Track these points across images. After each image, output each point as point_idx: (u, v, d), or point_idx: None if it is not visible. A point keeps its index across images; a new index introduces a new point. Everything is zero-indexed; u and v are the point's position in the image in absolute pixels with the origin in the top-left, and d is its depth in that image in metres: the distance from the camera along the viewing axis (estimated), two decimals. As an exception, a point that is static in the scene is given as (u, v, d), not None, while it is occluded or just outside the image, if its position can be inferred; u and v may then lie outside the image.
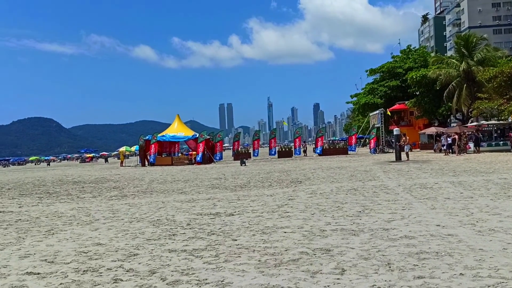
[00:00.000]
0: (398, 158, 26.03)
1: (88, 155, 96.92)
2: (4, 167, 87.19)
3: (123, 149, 47.59)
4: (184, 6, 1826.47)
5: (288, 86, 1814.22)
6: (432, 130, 39.56)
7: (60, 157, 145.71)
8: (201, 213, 9.87)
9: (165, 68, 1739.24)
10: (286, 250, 5.96)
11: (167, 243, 6.89)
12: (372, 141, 41.68)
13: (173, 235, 7.58)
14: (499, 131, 38.29)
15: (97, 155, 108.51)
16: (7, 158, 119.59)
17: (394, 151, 40.53)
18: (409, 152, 27.02)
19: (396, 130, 27.72)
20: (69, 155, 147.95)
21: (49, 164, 76.27)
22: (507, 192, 10.56)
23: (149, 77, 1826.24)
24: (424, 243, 5.84)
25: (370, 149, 41.84)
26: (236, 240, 6.86)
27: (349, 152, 42.91)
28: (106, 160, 69.14)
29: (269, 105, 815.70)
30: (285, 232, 7.17)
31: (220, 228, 7.93)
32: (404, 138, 27.90)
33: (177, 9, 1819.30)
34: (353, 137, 43.89)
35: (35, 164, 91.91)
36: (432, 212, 8.30)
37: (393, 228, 6.99)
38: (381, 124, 42.53)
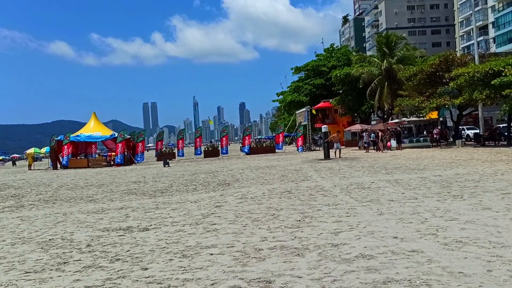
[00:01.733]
0: (327, 156, 25.48)
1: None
2: None
3: (31, 151, 43.22)
4: (102, 1, 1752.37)
5: (214, 85, 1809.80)
6: (357, 127, 39.97)
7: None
8: (108, 228, 8.05)
9: (83, 65, 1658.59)
10: (212, 285, 4.44)
11: (51, 278, 5.09)
12: (299, 139, 41.29)
13: (64, 263, 5.77)
14: (417, 128, 39.60)
15: (7, 157, 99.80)
16: None
17: (322, 149, 40.62)
18: (340, 150, 26.58)
19: (324, 128, 27.21)
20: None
21: None
22: (449, 191, 9.84)
23: (67, 75, 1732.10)
24: (388, 266, 4.61)
25: (298, 147, 41.45)
26: (146, 269, 5.23)
27: (276, 150, 42.22)
28: (14, 163, 63.11)
29: (194, 104, 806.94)
30: (212, 255, 5.65)
31: (128, 251, 6.23)
32: (336, 135, 27.44)
33: (95, 4, 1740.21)
34: (280, 135, 43.28)
35: None
36: (381, 219, 7.20)
37: (343, 243, 5.73)
38: (308, 122, 42.32)
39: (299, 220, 7.54)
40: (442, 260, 4.68)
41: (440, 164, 17.30)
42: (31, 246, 6.90)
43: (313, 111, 45.98)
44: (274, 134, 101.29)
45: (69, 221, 9.17)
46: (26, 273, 5.41)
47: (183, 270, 5.05)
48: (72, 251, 6.42)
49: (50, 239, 7.37)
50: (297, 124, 47.60)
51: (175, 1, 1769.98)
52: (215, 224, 7.76)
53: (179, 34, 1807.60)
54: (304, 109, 43.72)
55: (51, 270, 5.47)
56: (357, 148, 38.75)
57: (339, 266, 4.71)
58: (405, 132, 39.46)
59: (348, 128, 43.34)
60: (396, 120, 40.54)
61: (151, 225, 8.14)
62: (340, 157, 25.65)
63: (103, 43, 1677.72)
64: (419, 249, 5.15)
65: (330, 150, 26.28)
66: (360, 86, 42.75)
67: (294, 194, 11.10)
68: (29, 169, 38.67)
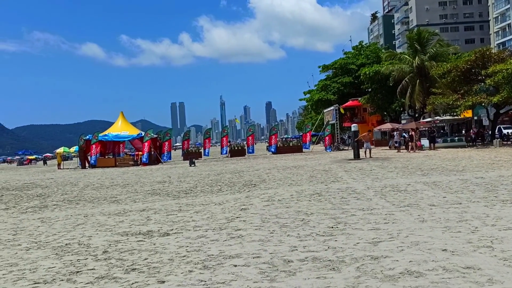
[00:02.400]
0: (357, 156, 24.62)
1: (29, 157, 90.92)
2: None
3: (60, 150, 43.77)
4: (131, 3, 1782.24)
5: (241, 85, 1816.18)
6: (387, 126, 38.78)
7: (0, 160, 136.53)
8: (127, 232, 7.61)
9: (114, 66, 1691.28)
10: (235, 305, 3.88)
11: (59, 291, 4.64)
12: (326, 138, 40.40)
13: (77, 272, 5.32)
14: (451, 127, 38.09)
15: (40, 156, 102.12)
16: None
17: (351, 148, 39.66)
18: (371, 150, 25.65)
19: (354, 126, 26.32)
20: (10, 157, 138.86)
21: (-19, 168, 70.19)
22: (496, 196, 9.00)
23: (98, 76, 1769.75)
24: (442, 287, 3.93)
25: (325, 147, 40.57)
26: (163, 282, 4.71)
27: (303, 150, 41.48)
28: (45, 163, 64.32)
29: (221, 103, 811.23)
30: (235, 266, 5.09)
31: (146, 259, 5.74)
32: (366, 134, 26.51)
33: (124, 6, 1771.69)
34: (308, 134, 42.46)
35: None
36: (425, 227, 6.48)
37: (384, 255, 5.07)
38: (336, 120, 41.38)
39: (332, 227, 6.90)
40: (506, 280, 3.98)
41: (480, 165, 16.27)
42: (45, 252, 6.50)
43: (341, 110, 45.01)
44: (301, 133, 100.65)
45: (89, 224, 8.79)
46: (35, 283, 4.97)
47: (203, 285, 4.51)
48: (87, 258, 5.98)
49: (66, 244, 6.96)
50: (324, 123, 46.67)
51: (202, 1, 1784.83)
52: (239, 229, 7.20)
53: (206, 34, 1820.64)
54: (332, 107, 42.78)
55: (62, 280, 5.02)
56: (387, 147, 37.62)
57: (383, 286, 4.07)
58: (441, 131, 37.99)
59: (378, 127, 42.16)
60: (429, 119, 39.13)
61: (172, 229, 7.64)
62: (370, 157, 24.76)
63: (132, 44, 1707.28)
64: (475, 265, 4.45)
65: (360, 150, 25.42)
66: (390, 84, 41.54)
67: (325, 196, 10.43)
68: (58, 168, 39.14)
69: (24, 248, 6.82)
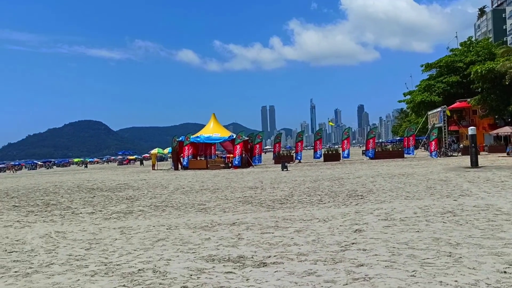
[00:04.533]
0: (475, 164, 21.24)
1: (129, 157, 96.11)
2: (47, 168, 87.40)
3: (155, 151, 44.59)
4: (224, 10, 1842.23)
5: (332, 88, 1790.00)
6: (506, 130, 34.08)
7: (104, 159, 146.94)
8: (214, 257, 6.02)
9: (208, 71, 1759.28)
10: None
11: None
12: (432, 143, 36.54)
13: (142, 324, 3.77)
14: None
15: (139, 156, 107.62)
16: (50, 160, 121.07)
17: (459, 154, 35.51)
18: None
19: (471, 130, 22.84)
20: (112, 157, 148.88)
21: (86, 166, 75.09)
22: None
23: (193, 80, 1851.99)
24: None
25: (430, 152, 36.74)
26: None
27: (405, 155, 38.00)
28: (142, 163, 66.85)
29: (312, 106, 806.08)
30: None
31: (236, 308, 4.05)
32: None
33: (217, 13, 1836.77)
34: (411, 138, 38.82)
35: (78, 166, 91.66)
36: None
37: None
38: (444, 123, 37.32)
39: (504, 271, 4.69)
40: None
41: None
42: (111, 282, 5.09)
43: (448, 112, 40.72)
44: (397, 138, 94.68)
45: (170, 240, 7.38)
46: None
47: None
48: (159, 298, 4.44)
49: (139, 270, 5.53)
50: (429, 126, 42.58)
51: (292, 5, 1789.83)
52: (362, 264, 5.26)
53: (297, 38, 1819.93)
54: (439, 109, 38.76)
55: None
56: (504, 154, 32.99)
57: None
58: None
59: (495, 131, 37.40)
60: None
61: (269, 256, 5.92)
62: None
63: (225, 49, 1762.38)
64: None
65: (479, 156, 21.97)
66: (507, 83, 36.63)
67: (462, 217, 8.08)
68: (152, 169, 39.77)
69: (89, 273, 5.49)
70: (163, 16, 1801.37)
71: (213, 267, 5.54)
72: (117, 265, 5.86)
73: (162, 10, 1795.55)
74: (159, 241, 7.37)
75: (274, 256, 5.91)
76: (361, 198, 11.65)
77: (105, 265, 5.88)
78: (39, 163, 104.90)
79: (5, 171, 78.17)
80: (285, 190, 14.86)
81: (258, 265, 5.52)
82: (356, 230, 7.37)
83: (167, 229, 8.51)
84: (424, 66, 57.55)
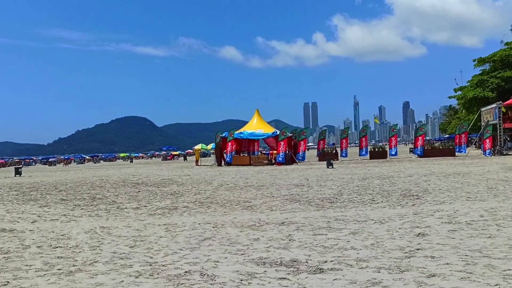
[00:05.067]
0: (537, 163, 19.77)
1: (173, 153, 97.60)
2: (95, 163, 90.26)
3: (198, 147, 44.82)
4: (266, 6, 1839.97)
5: (376, 84, 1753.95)
6: None
7: (149, 154, 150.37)
8: (264, 260, 5.58)
9: (250, 68, 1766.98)
10: None
11: None
12: (487, 140, 34.65)
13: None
14: None
15: (182, 152, 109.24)
16: (98, 154, 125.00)
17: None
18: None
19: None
20: (157, 152, 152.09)
21: (131, 161, 76.87)
22: None
23: (235, 77, 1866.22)
24: None
25: (484, 151, 34.87)
26: None
27: (456, 153, 36.29)
28: (185, 159, 67.59)
29: (355, 103, 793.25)
30: None
31: (295, 322, 3.58)
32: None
33: (259, 9, 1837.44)
34: (463, 135, 37.00)
35: (123, 161, 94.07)
36: None
37: None
38: (499, 120, 35.32)
39: None
40: None
41: None
42: (157, 285, 4.74)
43: (503, 109, 38.53)
44: (445, 135, 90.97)
45: (217, 239, 7.01)
46: None
47: None
48: (208, 306, 4.04)
49: (185, 272, 5.16)
50: (483, 123, 40.49)
51: (335, 0, 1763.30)
52: (433, 275, 4.65)
53: (341, 33, 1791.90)
54: (494, 105, 36.75)
55: None
56: None
57: None
58: None
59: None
60: None
61: (325, 261, 5.41)
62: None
63: (267, 46, 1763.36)
64: None
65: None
66: None
67: (538, 222, 7.25)
68: (196, 165, 39.96)
69: (134, 274, 5.18)
70: (206, 13, 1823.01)
71: (265, 271, 5.09)
72: (163, 265, 5.52)
73: (205, 7, 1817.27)
74: (206, 240, 7.01)
75: (331, 261, 5.39)
76: (417, 198, 10.90)
77: (150, 265, 5.56)
78: (87, 157, 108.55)
79: (55, 164, 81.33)
80: (333, 188, 14.25)
81: (314, 271, 5.02)
82: (419, 234, 6.72)
83: (213, 227, 8.15)
84: (476, 60, 55.05)
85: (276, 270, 5.13)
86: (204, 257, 5.88)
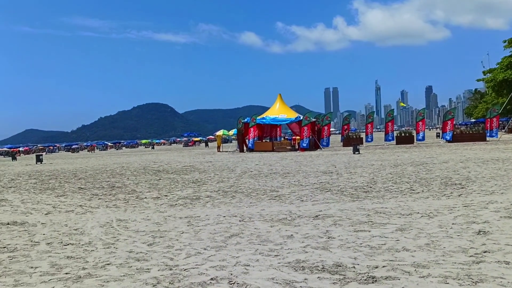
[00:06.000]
0: None
1: (194, 139, 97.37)
2: (117, 149, 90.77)
3: (220, 132, 44.10)
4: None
5: (398, 68, 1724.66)
6: None
7: (170, 140, 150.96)
8: (303, 265, 4.75)
9: (270, 53, 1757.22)
10: None
11: None
12: (521, 124, 32.97)
13: None
14: None
15: (204, 138, 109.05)
16: (120, 141, 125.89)
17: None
18: None
19: None
20: (178, 139, 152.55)
21: (153, 148, 76.91)
22: None
23: (255, 63, 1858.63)
24: None
25: (518, 135, 33.20)
26: None
27: (487, 138, 34.69)
28: (207, 145, 67.16)
29: (376, 88, 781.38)
30: None
31: None
32: None
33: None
34: (495, 119, 35.32)
35: (145, 147, 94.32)
36: None
37: None
38: (535, 103, 33.51)
39: None
40: None
41: None
42: (178, 296, 3.97)
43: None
44: (472, 120, 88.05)
45: (245, 236, 6.22)
46: None
47: None
48: (240, 328, 3.25)
49: (211, 280, 4.38)
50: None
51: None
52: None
53: (361, 17, 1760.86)
54: (529, 87, 34.86)
55: None
56: None
57: None
58: None
59: None
60: None
61: (376, 266, 4.55)
62: None
63: (287, 31, 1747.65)
64: None
65: None
66: None
67: None
68: (218, 151, 39.32)
69: (151, 281, 4.41)
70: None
71: (305, 279, 4.27)
72: (185, 270, 4.75)
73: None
74: (232, 237, 6.23)
75: (383, 266, 4.53)
76: (462, 188, 9.90)
77: (170, 269, 4.80)
78: (110, 144, 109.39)
79: (78, 151, 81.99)
80: (365, 176, 13.32)
81: (365, 280, 4.17)
82: (479, 231, 5.79)
83: (239, 221, 7.37)
84: (507, 41, 52.58)
85: (318, 277, 4.30)
86: (232, 259, 5.10)
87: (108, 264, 5.11)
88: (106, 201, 10.55)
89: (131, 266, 4.97)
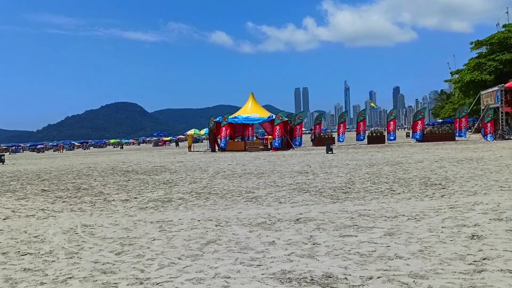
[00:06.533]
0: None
1: (164, 139, 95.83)
2: (84, 149, 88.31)
3: (191, 132, 43.28)
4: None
5: (366, 69, 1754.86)
6: None
7: (139, 140, 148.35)
8: (289, 276, 4.30)
9: (241, 53, 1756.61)
10: None
11: None
12: (488, 124, 33.62)
13: None
14: None
15: (174, 138, 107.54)
16: (87, 141, 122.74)
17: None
18: None
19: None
20: (148, 138, 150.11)
21: (122, 147, 75.22)
22: None
23: (226, 62, 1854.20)
24: None
25: (485, 135, 33.86)
26: None
27: (456, 138, 35.27)
28: (177, 144, 66.13)
29: (346, 88, 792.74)
30: None
31: None
32: None
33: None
34: (463, 119, 35.94)
35: (114, 147, 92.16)
36: None
37: None
38: (501, 104, 34.24)
39: None
40: None
41: None
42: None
43: None
44: (439, 120, 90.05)
45: (223, 243, 5.72)
46: None
47: None
48: None
49: (188, 295, 3.87)
50: (482, 107, 39.47)
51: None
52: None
53: (331, 18, 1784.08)
54: (496, 88, 35.63)
55: None
56: None
57: None
58: None
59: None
60: None
61: (370, 277, 4.14)
62: None
63: (258, 31, 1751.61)
64: None
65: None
66: None
67: None
68: (189, 151, 38.54)
69: (119, 298, 3.87)
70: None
71: (294, 294, 3.82)
72: (157, 284, 4.22)
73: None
74: (209, 244, 5.72)
75: (378, 277, 4.13)
76: (443, 188, 9.69)
77: (141, 283, 4.26)
78: (77, 144, 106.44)
79: (43, 151, 79.34)
80: (342, 176, 13.02)
81: (360, 294, 3.76)
82: (473, 236, 5.48)
83: (216, 225, 6.87)
84: (473, 43, 53.84)
85: (308, 291, 3.86)
86: (211, 270, 4.60)
87: (70, 277, 4.52)
88: (70, 204, 9.85)
89: (96, 280, 4.40)
